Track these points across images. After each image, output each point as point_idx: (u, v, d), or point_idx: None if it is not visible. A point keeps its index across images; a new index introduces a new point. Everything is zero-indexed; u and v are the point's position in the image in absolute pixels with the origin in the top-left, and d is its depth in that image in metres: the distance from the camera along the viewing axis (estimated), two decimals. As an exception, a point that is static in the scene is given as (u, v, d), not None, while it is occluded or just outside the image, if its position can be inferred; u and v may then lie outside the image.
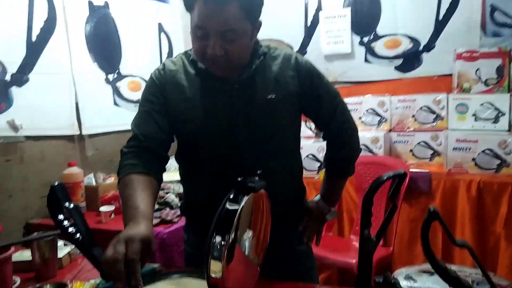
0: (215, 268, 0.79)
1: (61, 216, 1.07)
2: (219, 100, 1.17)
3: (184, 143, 1.26)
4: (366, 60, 2.97)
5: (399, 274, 0.90)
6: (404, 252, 2.39)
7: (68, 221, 1.07)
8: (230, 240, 0.80)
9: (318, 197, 1.38)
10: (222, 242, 0.79)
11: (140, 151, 1.14)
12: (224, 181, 1.14)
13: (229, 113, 1.17)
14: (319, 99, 1.24)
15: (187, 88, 1.19)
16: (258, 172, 0.91)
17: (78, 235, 1.03)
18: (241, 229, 0.84)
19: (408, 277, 0.88)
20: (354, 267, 2.12)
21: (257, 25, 1.13)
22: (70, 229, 1.05)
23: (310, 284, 1.24)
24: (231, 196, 0.84)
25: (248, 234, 0.89)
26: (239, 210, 0.81)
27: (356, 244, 2.44)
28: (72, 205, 1.05)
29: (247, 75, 1.17)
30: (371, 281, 0.86)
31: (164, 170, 1.22)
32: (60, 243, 1.38)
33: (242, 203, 0.83)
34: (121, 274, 0.85)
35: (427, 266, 0.94)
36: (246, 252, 0.90)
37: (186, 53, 1.24)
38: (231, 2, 1.03)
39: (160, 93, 1.19)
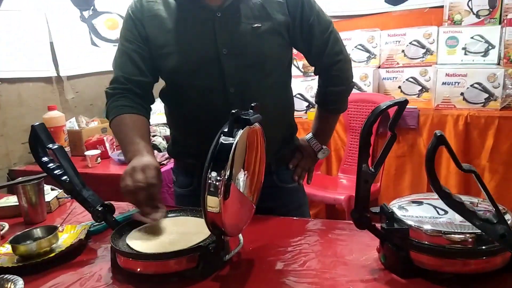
0: (212, 203, 0.76)
1: (45, 158, 1.03)
2: (201, 30, 1.10)
3: (168, 80, 1.21)
4: (356, -8, 2.84)
5: (393, 205, 0.91)
6: (391, 187, 2.44)
7: (53, 163, 1.03)
8: (226, 176, 0.76)
9: (310, 135, 1.35)
10: (218, 178, 0.76)
11: (127, 93, 1.14)
12: (210, 119, 1.11)
13: (213, 44, 1.10)
14: (310, 29, 1.16)
15: (167, 19, 1.12)
16: (252, 104, 0.86)
17: (65, 177, 1.00)
18: (236, 167, 0.81)
19: (401, 207, 0.90)
20: (343, 203, 2.17)
21: None
22: (56, 171, 1.02)
23: (303, 218, 1.25)
24: (225, 130, 0.79)
25: (242, 174, 0.86)
26: (234, 144, 0.77)
27: (344, 181, 2.47)
28: (56, 146, 1.01)
29: (230, 1, 1.09)
30: (368, 211, 0.85)
31: (151, 110, 1.21)
32: (47, 187, 1.35)
33: (237, 137, 0.78)
34: (146, 199, 0.92)
35: (415, 197, 0.96)
36: (241, 189, 0.87)
37: None
38: None
39: (137, 29, 1.13)
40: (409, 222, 0.81)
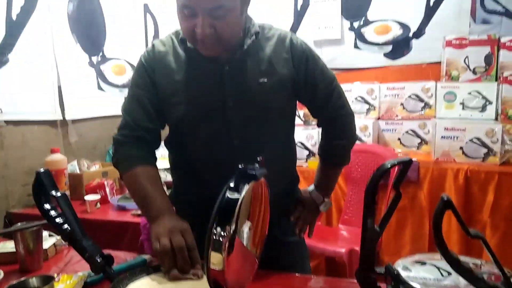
0: (216, 260, 0.75)
1: (47, 206, 1.02)
2: (209, 82, 1.13)
3: (174, 128, 1.23)
4: (355, 46, 2.94)
5: (398, 265, 0.90)
6: (392, 241, 2.40)
7: (55, 211, 1.02)
8: (231, 231, 0.76)
9: (312, 187, 1.35)
10: (223, 233, 0.75)
11: (137, 141, 1.14)
12: (214, 169, 1.11)
13: (220, 96, 1.12)
14: (314, 84, 1.19)
15: (176, 70, 1.15)
16: (258, 159, 0.87)
17: (66, 225, 0.99)
18: (241, 219, 0.81)
19: (405, 268, 0.88)
20: (344, 256, 2.12)
21: None
22: (58, 219, 1.01)
23: (305, 274, 1.22)
24: (232, 185, 0.80)
25: (247, 225, 0.85)
26: (240, 200, 0.77)
27: (345, 233, 2.44)
28: (59, 194, 1.00)
29: (238, 55, 1.12)
30: (373, 272, 0.84)
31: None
32: (45, 233, 1.32)
33: (243, 192, 0.79)
34: (187, 261, 0.92)
35: (419, 257, 0.95)
36: (245, 244, 0.86)
37: (176, 33, 1.19)
38: None
39: (148, 76, 1.16)
40: (415, 285, 0.79)
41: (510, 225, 2.17)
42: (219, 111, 1.12)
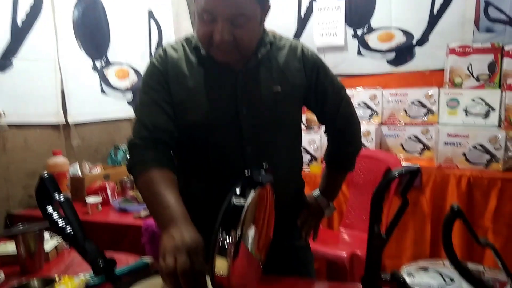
0: (221, 266, 0.75)
1: (50, 209, 1.02)
2: (222, 90, 1.12)
3: (185, 134, 1.20)
4: (359, 53, 2.94)
5: (403, 272, 0.90)
6: (393, 245, 2.39)
7: (58, 214, 1.02)
8: (237, 237, 0.75)
9: (317, 191, 1.35)
10: (228, 239, 0.75)
11: (155, 143, 1.07)
12: (224, 174, 1.11)
13: (233, 104, 1.11)
14: (324, 93, 1.20)
15: (189, 77, 1.12)
16: (265, 165, 0.86)
17: (69, 228, 0.98)
18: (246, 224, 0.80)
19: (409, 274, 0.88)
20: (345, 260, 2.11)
21: (266, 8, 1.08)
22: (60, 223, 1.00)
23: (309, 278, 1.22)
24: (237, 191, 0.79)
25: (252, 230, 0.84)
26: (246, 206, 0.77)
27: (346, 237, 2.43)
28: (62, 197, 1.00)
29: (253, 64, 1.12)
30: (379, 279, 0.83)
31: None
32: (46, 235, 1.32)
33: (249, 198, 0.78)
34: (189, 286, 0.80)
35: (423, 264, 0.95)
36: (250, 249, 0.85)
37: (187, 40, 1.18)
38: None
39: (164, 79, 1.12)
40: (421, 292, 0.79)
41: (512, 232, 2.17)
42: (232, 119, 1.11)
